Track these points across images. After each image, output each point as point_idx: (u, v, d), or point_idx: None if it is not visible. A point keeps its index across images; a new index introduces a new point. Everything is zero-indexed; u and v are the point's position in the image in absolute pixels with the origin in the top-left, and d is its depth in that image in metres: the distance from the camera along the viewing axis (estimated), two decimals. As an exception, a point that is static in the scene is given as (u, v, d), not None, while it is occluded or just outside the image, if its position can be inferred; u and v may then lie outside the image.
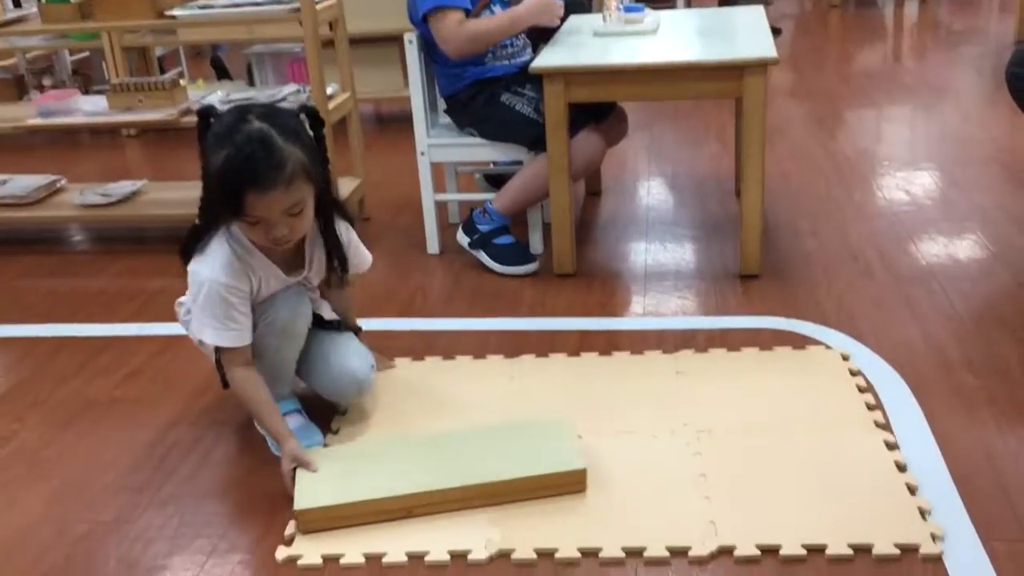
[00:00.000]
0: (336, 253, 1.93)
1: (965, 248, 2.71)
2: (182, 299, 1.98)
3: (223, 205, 1.72)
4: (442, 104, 2.92)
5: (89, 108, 3.12)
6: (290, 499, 1.70)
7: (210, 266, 1.78)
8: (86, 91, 4.53)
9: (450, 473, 1.71)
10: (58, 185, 3.39)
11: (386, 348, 2.33)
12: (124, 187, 3.30)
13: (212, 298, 1.78)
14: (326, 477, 1.73)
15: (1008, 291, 2.44)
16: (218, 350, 1.87)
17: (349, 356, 1.97)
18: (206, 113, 1.78)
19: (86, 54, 5.36)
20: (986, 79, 4.38)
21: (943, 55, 5.17)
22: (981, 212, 2.94)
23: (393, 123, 4.58)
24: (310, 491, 1.69)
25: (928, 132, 3.90)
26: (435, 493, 1.68)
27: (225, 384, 1.92)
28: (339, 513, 1.67)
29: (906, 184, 3.23)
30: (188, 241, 1.84)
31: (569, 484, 1.71)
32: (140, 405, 2.16)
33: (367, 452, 1.84)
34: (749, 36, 2.70)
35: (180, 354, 2.38)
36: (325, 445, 1.91)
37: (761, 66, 2.41)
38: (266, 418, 1.84)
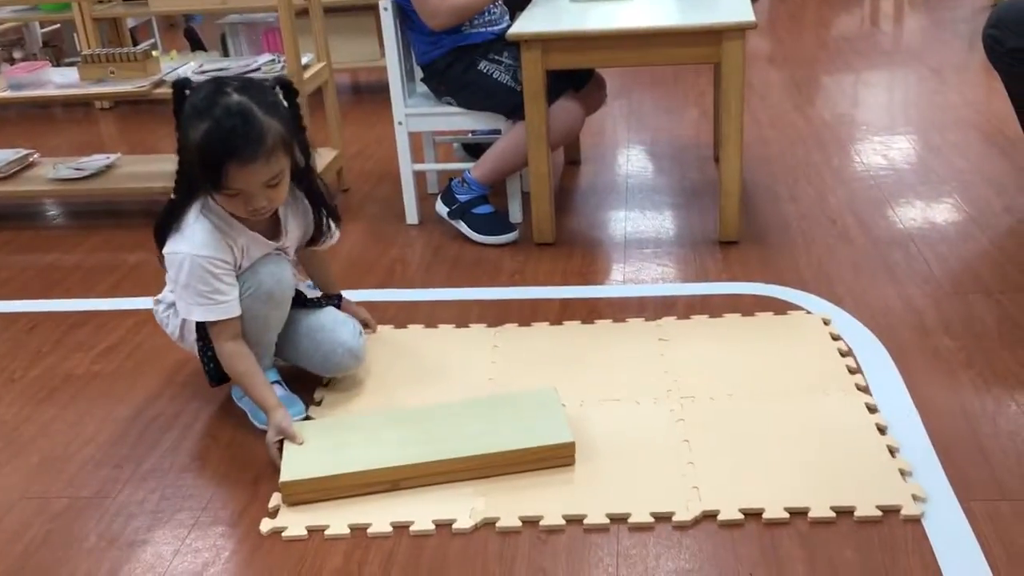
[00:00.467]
0: (325, 208, 1.95)
1: (943, 211, 2.72)
2: (159, 296, 1.97)
3: (203, 178, 1.70)
4: (419, 73, 2.89)
5: (60, 80, 3.06)
6: (275, 470, 1.70)
7: (189, 242, 1.76)
8: (57, 63, 4.46)
9: (438, 446, 1.70)
10: (31, 159, 3.34)
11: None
12: (98, 160, 3.26)
13: (195, 273, 1.76)
14: (312, 449, 1.73)
15: (985, 253, 2.45)
16: (203, 336, 1.86)
17: (337, 329, 1.97)
18: (182, 85, 1.76)
19: (57, 26, 5.27)
20: (963, 43, 4.38)
21: (920, 20, 5.17)
22: (958, 175, 2.95)
23: (370, 93, 4.53)
24: (296, 463, 1.69)
25: (906, 96, 3.90)
26: (421, 466, 1.67)
27: (213, 380, 1.92)
28: (325, 485, 1.66)
29: (884, 148, 3.24)
30: (163, 220, 1.82)
31: (558, 457, 1.70)
32: (119, 379, 2.14)
33: (354, 424, 1.83)
34: (727, 1, 2.68)
35: (159, 328, 2.35)
36: (308, 417, 1.90)
37: (739, 31, 2.40)
38: (256, 389, 1.82)
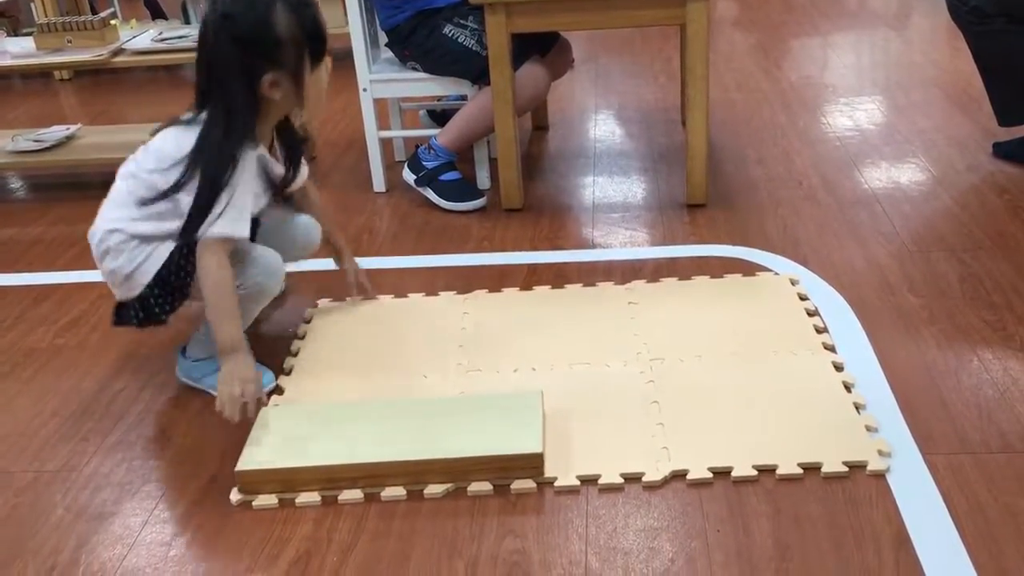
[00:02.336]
0: (297, 147, 1.97)
1: (907, 171, 2.74)
2: (112, 226, 1.80)
3: (310, 49, 1.80)
4: (384, 39, 2.86)
5: (16, 50, 3.00)
6: (238, 428, 1.67)
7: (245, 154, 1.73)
8: (14, 33, 4.36)
9: (406, 445, 1.63)
10: (-13, 132, 3.28)
11: (335, 288, 2.30)
12: (58, 132, 3.20)
13: (247, 179, 1.73)
14: (277, 437, 1.67)
15: (948, 212, 2.47)
16: (160, 281, 1.78)
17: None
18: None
19: (12, -4, 5.15)
20: (928, 3, 4.39)
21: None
22: (922, 136, 2.97)
23: (336, 60, 4.45)
24: (257, 451, 1.63)
25: (871, 58, 3.91)
26: (386, 465, 1.60)
27: (135, 321, 1.82)
28: (285, 477, 1.60)
29: (850, 110, 3.25)
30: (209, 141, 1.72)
31: (525, 467, 1.60)
32: (83, 353, 2.12)
33: (321, 414, 1.75)
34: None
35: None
36: (277, 386, 1.89)
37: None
38: (227, 323, 1.72)
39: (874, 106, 3.27)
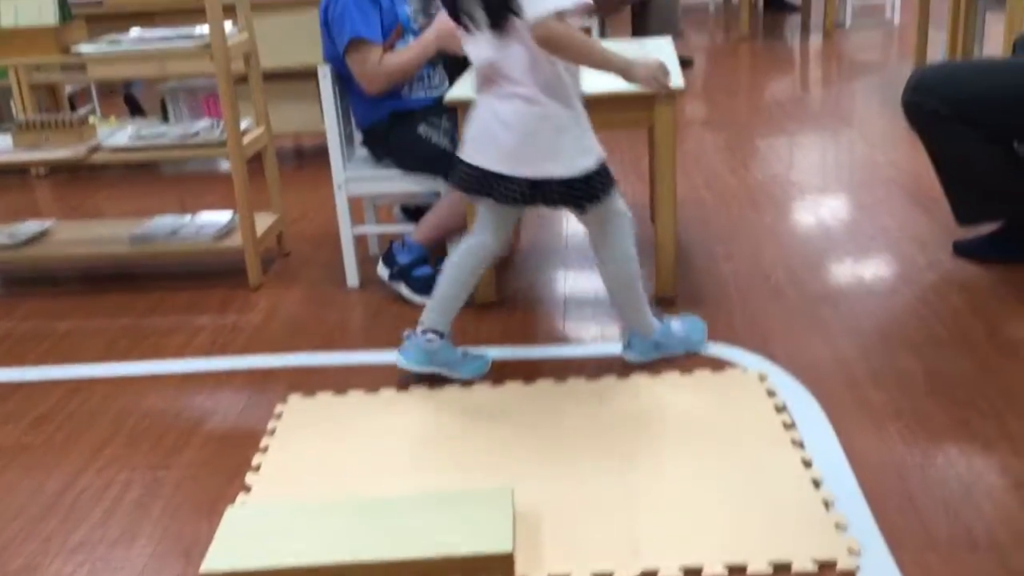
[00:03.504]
0: None
1: (871, 268, 2.80)
2: None
3: None
4: (359, 137, 2.92)
5: (-7, 147, 3.03)
6: (205, 527, 1.65)
7: None
8: (-8, 130, 4.40)
9: (374, 544, 1.61)
10: (-39, 227, 3.28)
11: (306, 383, 2.30)
12: (31, 227, 3.21)
13: None
14: (243, 536, 1.65)
15: (911, 308, 2.52)
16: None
17: None
18: None
19: (-8, 92, 5.22)
20: (887, 106, 4.54)
21: (847, 84, 5.37)
22: (885, 234, 3.04)
23: (313, 157, 4.55)
24: (224, 551, 1.61)
25: (835, 157, 4.03)
26: (354, 567, 1.57)
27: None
28: None
29: (815, 207, 3.33)
30: None
31: (496, 567, 1.58)
32: (49, 451, 2.09)
33: (290, 513, 1.72)
34: (659, 67, 2.75)
35: (90, 397, 2.32)
36: (244, 485, 1.87)
37: (670, 96, 2.47)
38: (611, 56, 2.05)
39: (838, 204, 3.36)
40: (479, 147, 2.09)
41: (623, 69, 2.08)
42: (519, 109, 2.01)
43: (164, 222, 3.11)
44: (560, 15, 1.92)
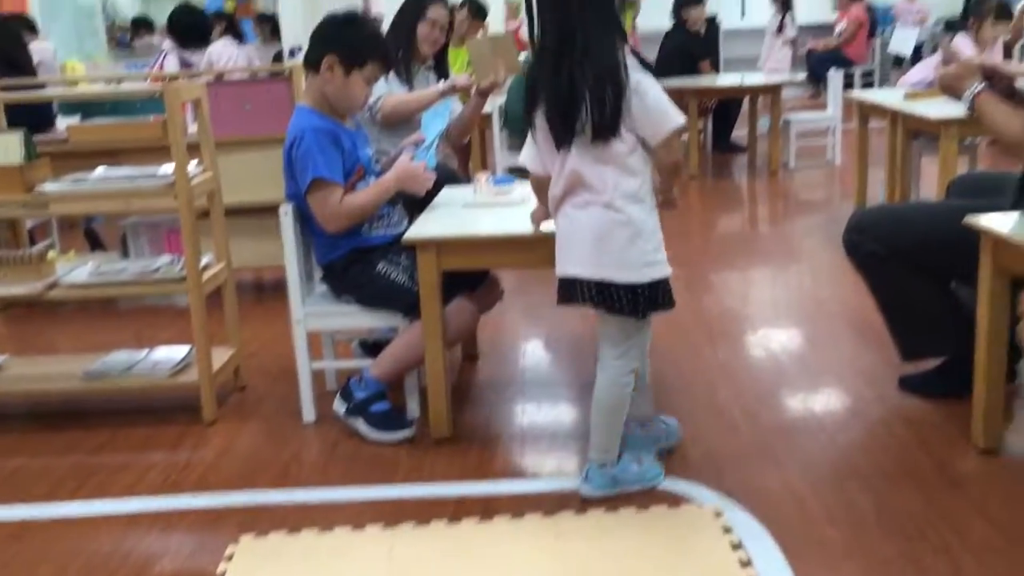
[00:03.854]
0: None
1: (821, 401, 2.86)
2: None
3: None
4: (319, 272, 2.97)
5: (-51, 282, 3.02)
6: None
7: None
8: (-52, 263, 4.38)
9: None
10: (-89, 361, 3.23)
11: (259, 522, 2.26)
12: (-17, 362, 3.17)
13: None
14: None
15: (861, 443, 2.57)
16: None
17: None
18: None
19: (-50, 226, 5.21)
20: (831, 243, 4.71)
21: (793, 222, 5.57)
22: (833, 368, 3.12)
23: (273, 290, 4.58)
24: None
25: (785, 292, 4.15)
26: None
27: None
28: None
29: (766, 342, 3.41)
30: None
31: None
32: (-13, 596, 2.02)
33: None
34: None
35: (34, 540, 2.25)
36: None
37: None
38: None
39: (789, 338, 3.45)
40: (569, 256, 2.23)
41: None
42: (599, 215, 2.15)
43: (119, 357, 3.10)
44: (679, 132, 2.16)
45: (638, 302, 2.18)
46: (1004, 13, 4.95)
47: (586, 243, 2.17)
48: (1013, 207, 2.49)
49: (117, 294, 3.06)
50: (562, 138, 2.15)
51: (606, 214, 2.14)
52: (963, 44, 4.82)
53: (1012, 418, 2.66)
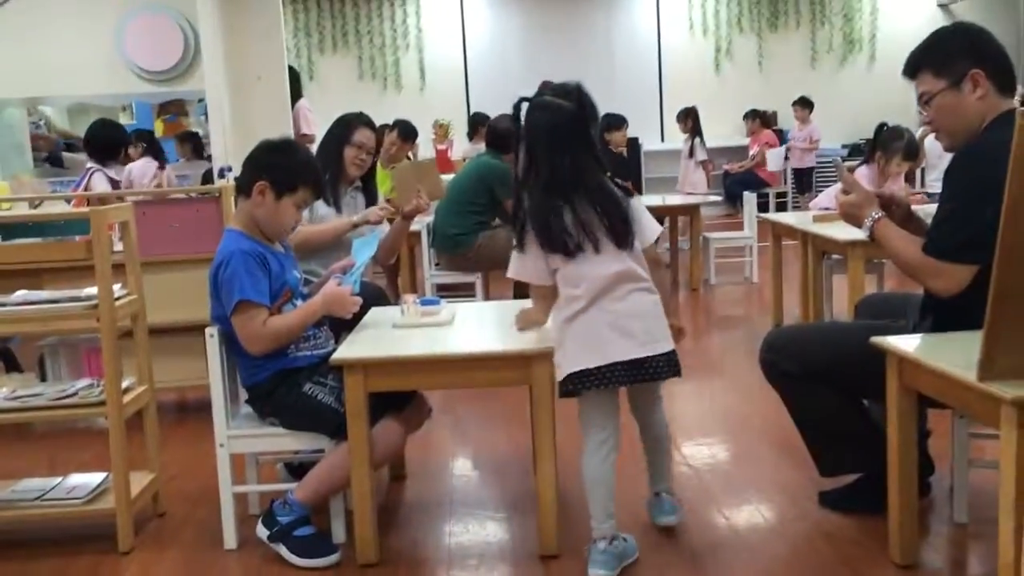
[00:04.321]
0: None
1: (744, 518, 2.90)
2: None
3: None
4: (244, 394, 2.94)
5: None
6: None
7: None
8: None
9: None
10: None
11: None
12: None
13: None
14: None
15: (784, 561, 2.61)
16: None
17: None
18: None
19: None
20: (751, 358, 4.81)
21: (714, 337, 5.72)
22: (755, 484, 3.17)
23: (195, 411, 4.49)
24: None
25: (709, 407, 4.23)
26: None
27: None
28: None
29: (690, 458, 3.46)
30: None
31: None
32: None
33: None
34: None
35: None
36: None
37: (546, 356, 2.61)
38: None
39: (712, 454, 3.50)
40: (651, 337, 2.53)
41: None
42: (647, 299, 2.55)
43: (31, 484, 3.00)
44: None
45: (675, 364, 2.59)
46: (912, 153, 5.17)
47: (651, 324, 2.55)
48: (916, 328, 2.63)
49: (33, 419, 2.97)
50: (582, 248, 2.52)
51: (653, 297, 2.58)
52: (864, 176, 5.05)
53: (928, 532, 2.73)
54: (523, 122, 2.59)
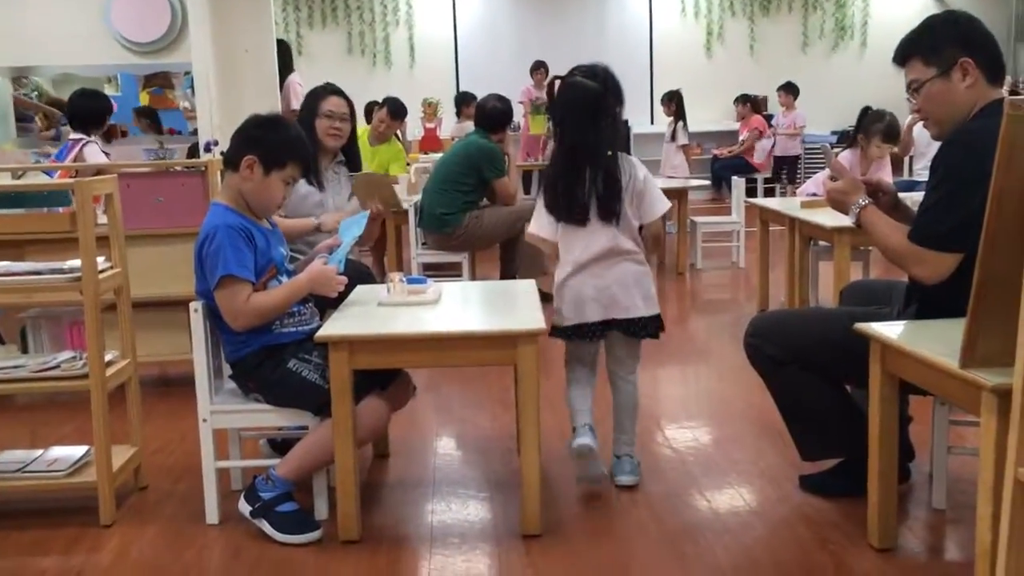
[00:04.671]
0: None
1: (725, 502, 2.92)
2: None
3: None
4: (228, 369, 2.93)
5: None
6: None
7: None
8: None
9: None
10: None
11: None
12: None
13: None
14: None
15: (764, 543, 2.63)
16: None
17: None
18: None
19: None
20: (737, 343, 4.83)
21: (701, 321, 5.74)
22: (737, 468, 3.19)
23: (178, 386, 4.47)
24: None
25: (694, 391, 4.25)
26: None
27: None
28: None
29: (672, 442, 3.47)
30: None
31: None
32: None
33: None
34: (524, 308, 2.91)
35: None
36: None
37: (532, 336, 2.61)
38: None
39: (695, 438, 3.52)
40: (616, 303, 2.94)
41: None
42: (641, 269, 2.97)
43: (12, 456, 2.98)
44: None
45: (656, 326, 3.03)
46: (892, 134, 5.22)
47: (639, 291, 2.98)
48: (899, 315, 2.64)
49: (15, 391, 2.96)
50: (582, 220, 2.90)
51: (643, 268, 2.99)
52: (847, 160, 5.08)
53: (907, 517, 2.75)
54: (556, 98, 2.95)
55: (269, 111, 3.20)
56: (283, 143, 2.82)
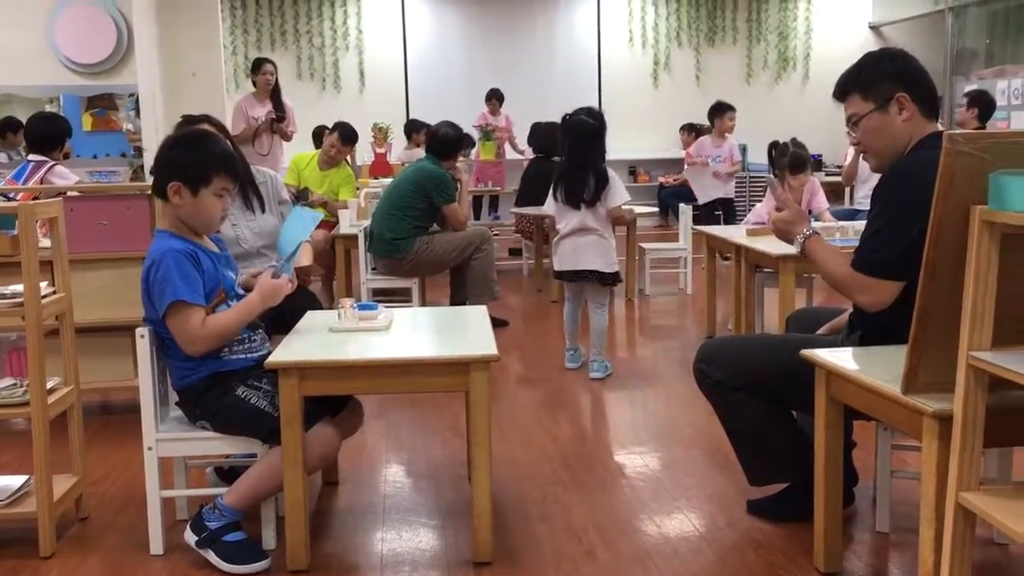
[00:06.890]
0: None
1: (674, 526, 2.94)
2: None
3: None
4: (174, 396, 2.88)
5: None
6: None
7: None
8: None
9: None
10: None
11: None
12: None
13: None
14: None
15: (713, 568, 2.65)
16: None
17: None
18: None
19: None
20: (685, 368, 4.89)
21: (648, 348, 5.79)
22: (686, 493, 3.22)
23: (121, 413, 4.38)
24: None
25: (643, 416, 4.28)
26: None
27: None
28: None
29: (622, 467, 3.49)
30: None
31: None
32: None
33: None
34: (475, 334, 2.92)
35: None
36: None
37: (484, 362, 2.62)
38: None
39: (642, 462, 3.54)
40: (583, 260, 4.66)
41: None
42: (602, 241, 4.63)
43: (-52, 486, 2.90)
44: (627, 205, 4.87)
45: (616, 278, 4.76)
46: (798, 164, 5.43)
47: (605, 255, 4.67)
48: (844, 342, 2.70)
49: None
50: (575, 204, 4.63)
51: (607, 242, 4.66)
52: (770, 200, 5.23)
53: (852, 540, 2.80)
54: (566, 128, 4.61)
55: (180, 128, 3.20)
56: (201, 159, 2.75)
